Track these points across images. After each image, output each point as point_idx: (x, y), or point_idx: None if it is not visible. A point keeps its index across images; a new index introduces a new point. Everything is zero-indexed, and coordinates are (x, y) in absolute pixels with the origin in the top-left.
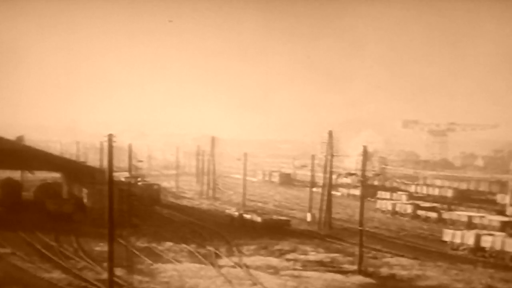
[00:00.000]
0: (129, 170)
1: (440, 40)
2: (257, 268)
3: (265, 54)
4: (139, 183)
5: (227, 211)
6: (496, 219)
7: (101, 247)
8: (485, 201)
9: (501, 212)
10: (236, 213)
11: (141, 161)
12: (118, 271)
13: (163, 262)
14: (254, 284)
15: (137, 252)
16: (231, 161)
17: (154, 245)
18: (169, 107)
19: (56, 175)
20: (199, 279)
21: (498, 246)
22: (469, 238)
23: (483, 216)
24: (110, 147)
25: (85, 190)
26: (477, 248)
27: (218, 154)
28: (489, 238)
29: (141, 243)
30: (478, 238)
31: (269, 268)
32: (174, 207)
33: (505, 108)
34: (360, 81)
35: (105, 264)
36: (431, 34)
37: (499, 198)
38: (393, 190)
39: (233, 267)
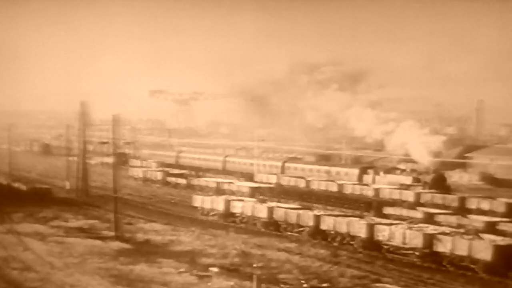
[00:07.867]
0: None
1: (189, 13)
2: (27, 234)
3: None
4: None
5: None
6: (245, 185)
7: None
8: None
9: (250, 178)
10: (5, 182)
11: None
12: None
13: None
14: (26, 249)
15: None
16: None
17: None
18: None
19: None
20: None
21: (248, 212)
22: (219, 203)
23: (231, 182)
24: None
25: None
26: (228, 214)
27: None
28: (239, 204)
29: None
30: (227, 203)
31: (37, 234)
32: None
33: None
34: (110, 53)
35: None
36: (175, 6)
37: None
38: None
39: (6, 233)
